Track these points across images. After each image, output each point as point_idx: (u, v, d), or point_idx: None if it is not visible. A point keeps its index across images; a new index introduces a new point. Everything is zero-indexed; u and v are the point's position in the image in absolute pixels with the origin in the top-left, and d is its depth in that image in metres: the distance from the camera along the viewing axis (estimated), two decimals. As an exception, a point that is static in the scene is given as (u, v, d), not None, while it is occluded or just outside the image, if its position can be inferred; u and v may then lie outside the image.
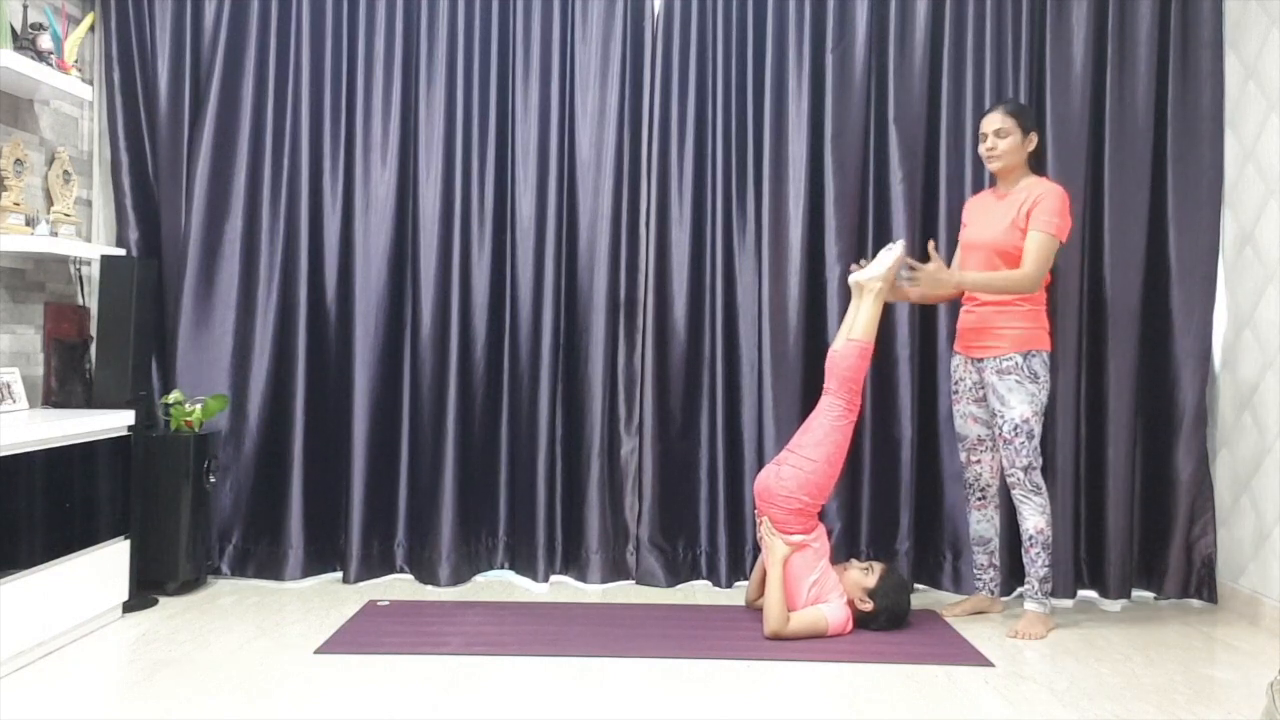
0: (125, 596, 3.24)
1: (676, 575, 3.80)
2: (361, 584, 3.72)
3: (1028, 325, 3.23)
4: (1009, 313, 3.24)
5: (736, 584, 3.76)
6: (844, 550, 3.66)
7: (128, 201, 3.72)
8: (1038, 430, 3.23)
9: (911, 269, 3.26)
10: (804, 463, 3.22)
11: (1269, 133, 3.45)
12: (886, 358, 3.67)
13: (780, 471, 3.26)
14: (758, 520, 3.34)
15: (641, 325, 3.80)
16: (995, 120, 3.28)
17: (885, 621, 3.20)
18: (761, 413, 3.74)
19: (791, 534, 3.19)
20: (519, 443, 3.79)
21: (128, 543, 3.26)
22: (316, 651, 2.94)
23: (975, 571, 3.51)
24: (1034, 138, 3.31)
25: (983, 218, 3.35)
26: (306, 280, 3.76)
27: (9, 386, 3.18)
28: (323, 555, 3.79)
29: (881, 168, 3.77)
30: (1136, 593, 3.74)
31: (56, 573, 2.89)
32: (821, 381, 3.39)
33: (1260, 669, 2.95)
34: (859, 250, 3.73)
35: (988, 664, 2.93)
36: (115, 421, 3.20)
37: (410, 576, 3.80)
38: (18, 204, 3.18)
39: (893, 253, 3.37)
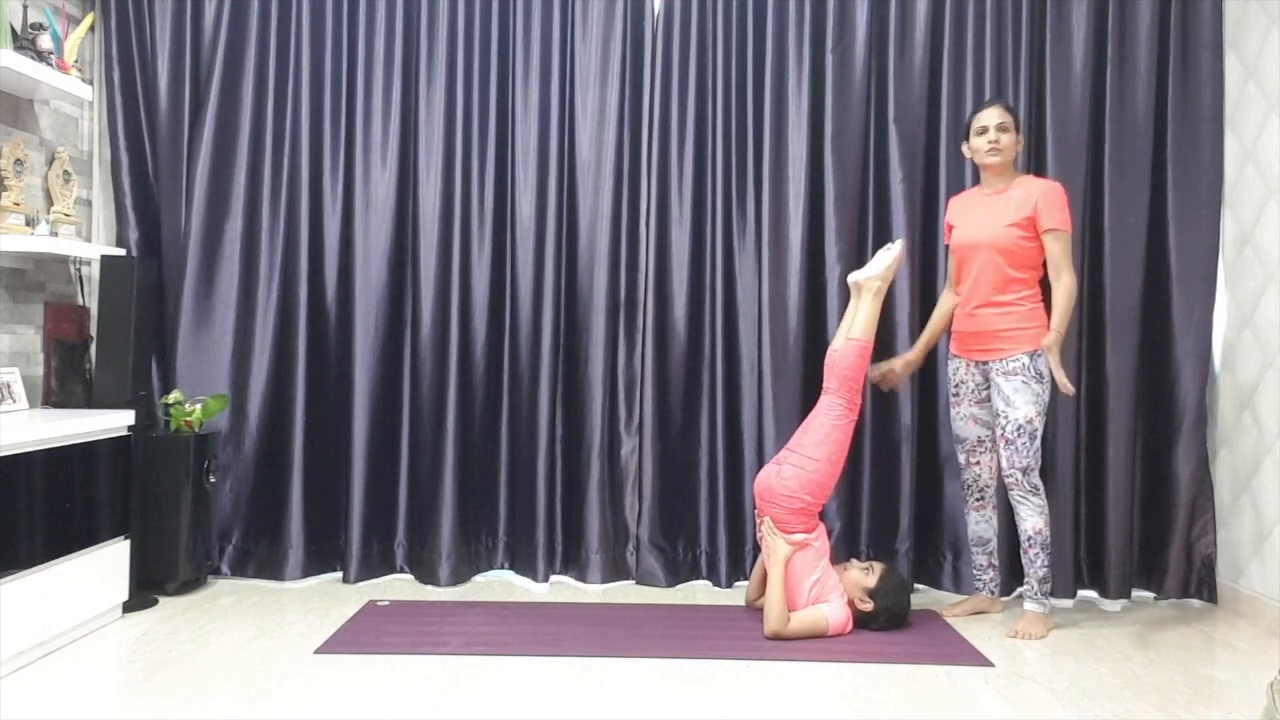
0: (125, 596, 3.24)
1: (676, 575, 3.81)
2: (361, 584, 3.72)
3: (1032, 325, 3.24)
4: (1013, 314, 3.24)
5: (736, 584, 3.76)
6: (844, 550, 3.66)
7: (128, 201, 3.72)
8: (1040, 431, 3.23)
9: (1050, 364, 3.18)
10: (805, 462, 3.22)
11: (1269, 133, 3.45)
12: (887, 357, 3.66)
13: (781, 471, 3.26)
14: (758, 520, 3.34)
15: (641, 325, 3.80)
16: (996, 115, 3.28)
17: (885, 621, 3.20)
18: (761, 413, 3.74)
19: (793, 533, 3.19)
20: (519, 443, 3.79)
21: (128, 543, 3.26)
22: (316, 651, 2.94)
23: (975, 572, 3.51)
24: (1021, 140, 3.34)
25: (975, 217, 3.33)
26: (306, 280, 3.76)
27: (9, 386, 3.18)
28: (323, 555, 3.79)
29: (881, 168, 3.77)
30: (1136, 593, 3.74)
31: (56, 573, 2.89)
32: (821, 381, 3.39)
33: (1260, 669, 2.95)
34: (859, 250, 3.73)
35: (988, 664, 2.92)
36: (115, 421, 3.20)
37: (410, 576, 3.80)
38: (18, 204, 3.18)
39: (892, 252, 3.37)
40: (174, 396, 3.58)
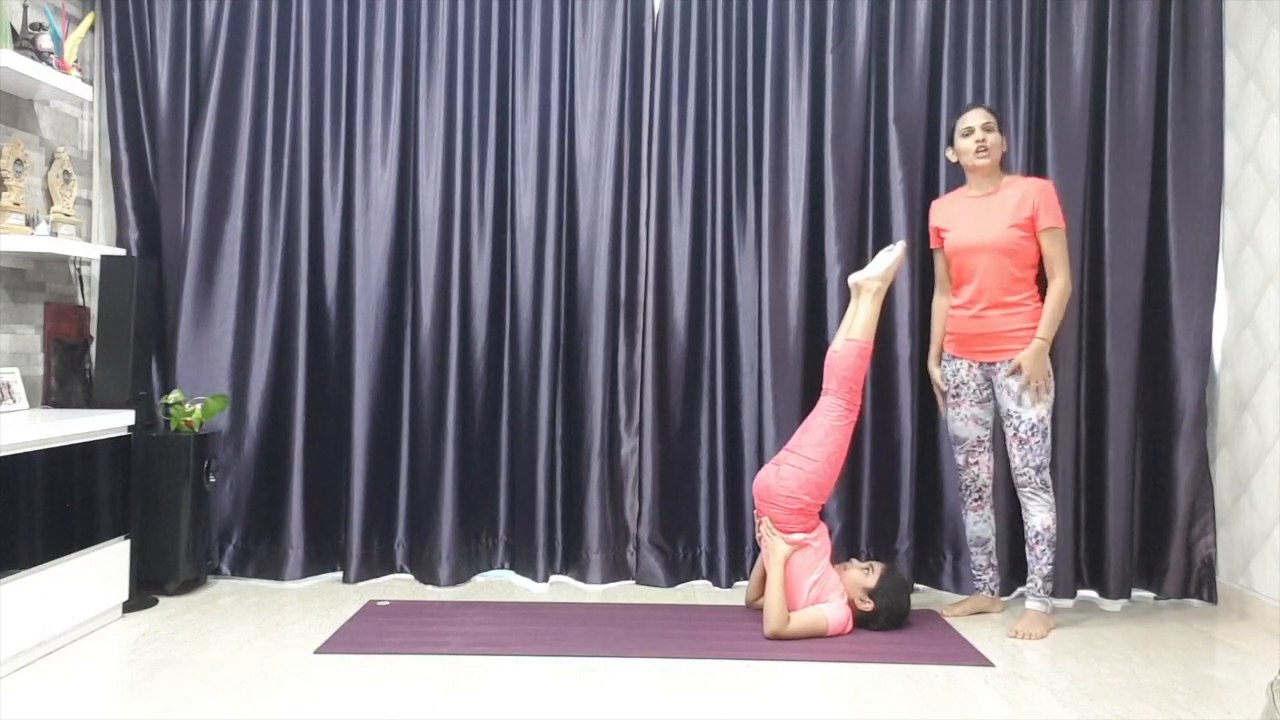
0: (125, 596, 3.24)
1: (676, 575, 3.81)
2: (361, 584, 3.72)
3: (1036, 325, 3.24)
4: (1020, 314, 3.25)
5: (736, 584, 3.77)
6: (844, 550, 3.66)
7: (128, 201, 3.72)
8: (1050, 429, 3.24)
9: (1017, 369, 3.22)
10: (804, 462, 3.23)
11: (1269, 133, 3.45)
12: (886, 358, 3.67)
13: (780, 471, 3.26)
14: (757, 520, 3.34)
15: (641, 325, 3.80)
16: (981, 116, 3.29)
17: (885, 621, 3.20)
18: (761, 413, 3.74)
19: (791, 533, 3.19)
20: (519, 443, 3.79)
21: (128, 543, 3.26)
22: (316, 651, 2.94)
23: (974, 572, 3.51)
24: (1004, 140, 3.35)
25: (969, 220, 3.33)
26: (306, 280, 3.76)
27: (9, 386, 3.18)
28: (323, 555, 3.79)
29: (881, 168, 3.77)
30: (1136, 593, 3.74)
31: (56, 573, 2.89)
32: (821, 381, 3.39)
33: (1260, 669, 2.95)
34: (859, 250, 3.74)
35: (988, 664, 2.92)
36: (115, 421, 3.20)
37: (410, 576, 3.80)
38: (18, 204, 3.18)
39: (893, 253, 3.38)
40: (174, 396, 3.58)
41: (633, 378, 3.81)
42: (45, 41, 3.24)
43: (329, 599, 3.52)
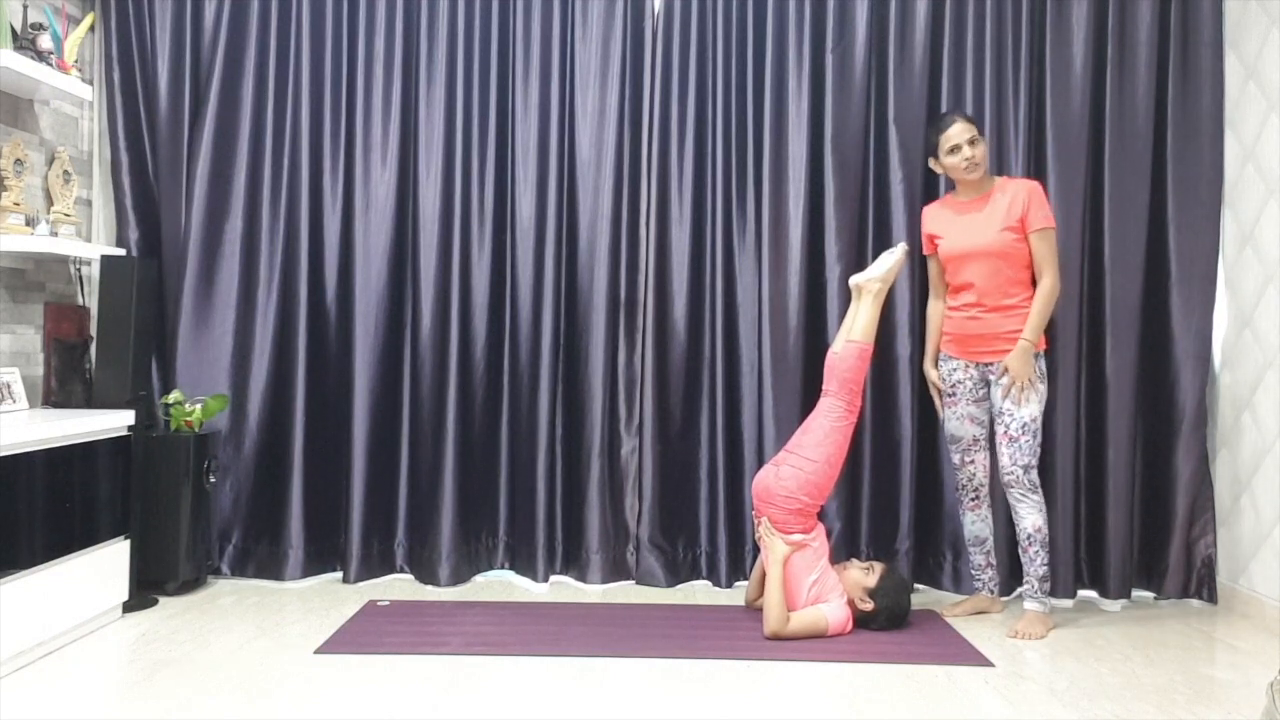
0: (125, 596, 3.24)
1: (676, 575, 3.81)
2: (361, 584, 3.72)
3: None
4: (1017, 315, 3.25)
5: (736, 584, 3.77)
6: (844, 550, 3.66)
7: (128, 201, 3.72)
8: (1040, 429, 3.24)
9: (1004, 372, 3.24)
10: (804, 463, 3.23)
11: (1269, 133, 3.45)
12: (886, 358, 3.67)
13: (780, 472, 3.26)
14: (756, 520, 3.34)
15: (641, 325, 3.80)
16: (965, 130, 3.26)
17: (885, 621, 3.20)
18: (761, 413, 3.74)
19: (790, 534, 3.19)
20: (519, 443, 3.79)
21: (128, 543, 3.26)
22: (316, 651, 2.94)
23: (973, 572, 3.51)
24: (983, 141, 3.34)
25: (961, 226, 3.33)
26: (306, 280, 3.76)
27: (9, 386, 3.18)
28: (323, 555, 3.79)
29: (881, 168, 3.77)
30: (1136, 593, 3.74)
31: (56, 573, 2.89)
32: (821, 381, 3.39)
33: (1260, 669, 2.95)
34: (859, 250, 3.74)
35: (988, 664, 2.93)
36: (115, 421, 3.20)
37: (410, 576, 3.80)
38: (18, 204, 3.18)
39: (894, 255, 3.38)
40: (174, 396, 3.58)
41: (633, 378, 3.81)
42: (45, 41, 3.24)
43: (329, 599, 3.52)
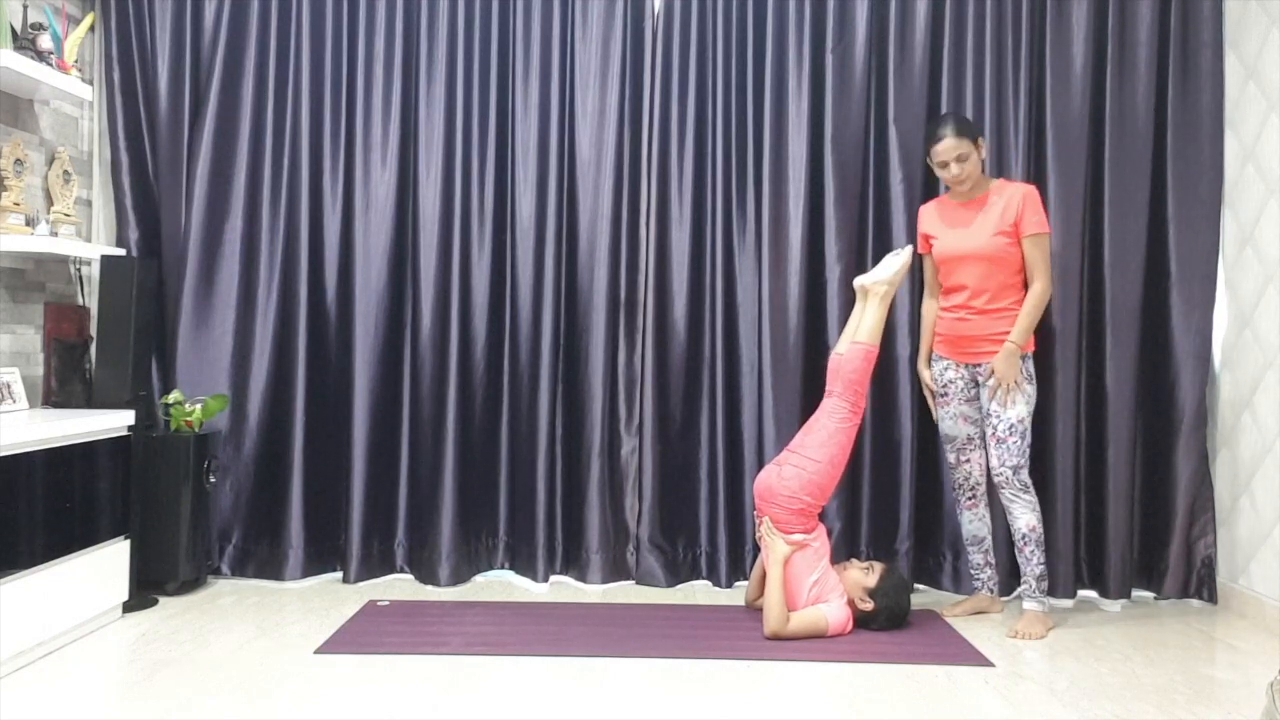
0: (125, 596, 3.24)
1: (676, 575, 3.81)
2: (361, 584, 3.72)
3: None
4: (1006, 318, 3.26)
5: (736, 584, 3.76)
6: (844, 550, 3.66)
7: (128, 201, 3.72)
8: (1029, 430, 3.24)
9: (990, 374, 3.24)
10: (806, 463, 3.23)
11: (1269, 133, 3.45)
12: (886, 358, 3.67)
13: (782, 471, 3.26)
14: (757, 520, 3.34)
15: (641, 325, 3.80)
16: (953, 148, 3.24)
17: (885, 621, 3.20)
18: (761, 413, 3.74)
19: (791, 534, 3.19)
20: (519, 443, 3.79)
21: (128, 543, 3.26)
22: (316, 651, 2.94)
23: (973, 571, 3.51)
24: (983, 141, 3.33)
25: (956, 228, 3.34)
26: (306, 280, 3.76)
27: (9, 386, 3.18)
28: (323, 555, 3.79)
29: (881, 168, 3.77)
30: (1136, 593, 3.74)
31: (56, 573, 2.89)
32: (822, 381, 3.39)
33: (1260, 669, 2.95)
34: (859, 250, 3.74)
35: (988, 664, 2.93)
36: (115, 421, 3.20)
37: (410, 576, 3.80)
38: (18, 204, 3.18)
39: (900, 257, 3.38)
40: (174, 396, 3.58)
41: (633, 378, 3.81)
42: (45, 41, 3.24)
43: (329, 599, 3.52)
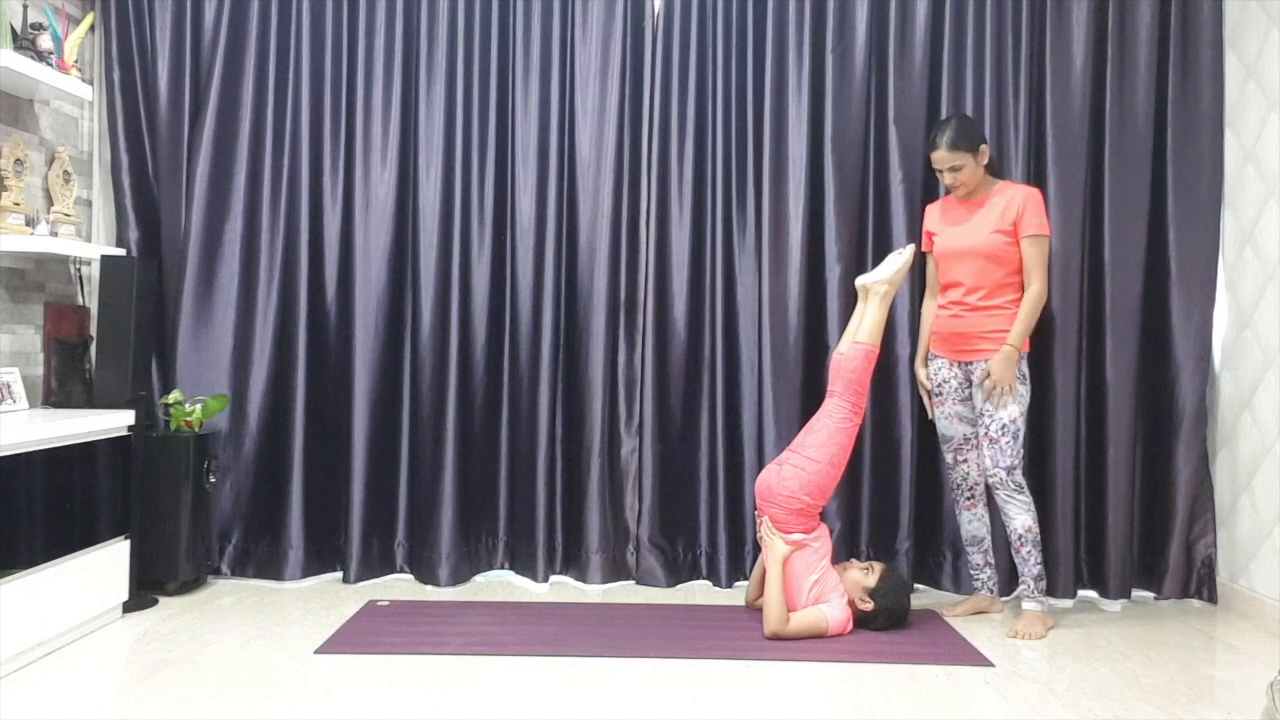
0: (125, 596, 3.24)
1: (676, 575, 3.81)
2: (361, 584, 3.73)
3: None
4: (999, 315, 3.26)
5: (736, 584, 3.77)
6: (844, 550, 3.65)
7: (128, 201, 3.72)
8: (1023, 430, 3.24)
9: (986, 377, 3.24)
10: (807, 463, 3.23)
11: (1269, 133, 3.45)
12: (887, 358, 3.67)
13: (782, 471, 3.26)
14: (757, 520, 3.34)
15: (641, 325, 3.80)
16: (944, 159, 3.29)
17: (885, 621, 3.20)
18: (761, 413, 3.74)
19: (791, 533, 3.19)
20: (519, 443, 3.79)
21: (128, 543, 3.26)
22: (316, 651, 2.94)
23: (972, 571, 3.51)
24: (985, 148, 3.33)
25: (956, 225, 3.36)
26: (306, 280, 3.76)
27: (9, 386, 3.18)
28: (323, 555, 3.79)
29: (881, 167, 3.77)
30: (1136, 593, 3.74)
31: (56, 573, 2.89)
32: (822, 381, 3.39)
33: (1260, 669, 2.95)
34: (859, 250, 3.74)
35: (988, 664, 2.93)
36: (115, 421, 3.20)
37: (410, 576, 3.80)
38: (18, 204, 3.18)
39: (901, 256, 3.38)
40: (174, 396, 3.58)
41: (633, 378, 3.81)
42: (45, 41, 3.24)
43: (329, 599, 3.52)
